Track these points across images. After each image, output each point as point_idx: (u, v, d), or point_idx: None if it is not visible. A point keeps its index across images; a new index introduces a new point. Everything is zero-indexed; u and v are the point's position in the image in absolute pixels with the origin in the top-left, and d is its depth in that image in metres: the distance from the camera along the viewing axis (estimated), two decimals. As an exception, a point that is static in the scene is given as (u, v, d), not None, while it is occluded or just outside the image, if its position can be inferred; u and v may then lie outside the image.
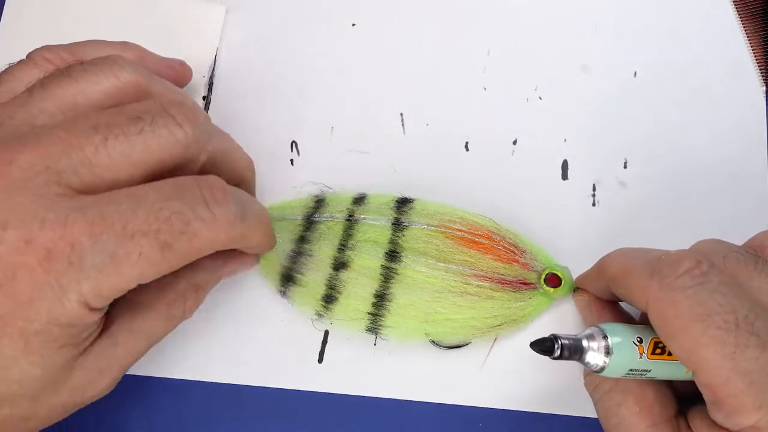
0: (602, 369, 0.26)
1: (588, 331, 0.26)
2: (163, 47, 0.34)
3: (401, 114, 0.37)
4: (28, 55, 0.29)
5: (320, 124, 0.37)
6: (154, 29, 0.37)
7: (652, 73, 0.37)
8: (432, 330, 0.32)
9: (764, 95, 0.37)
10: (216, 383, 0.33)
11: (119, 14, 0.38)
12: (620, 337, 0.26)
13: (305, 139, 0.37)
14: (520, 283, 0.32)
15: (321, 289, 0.33)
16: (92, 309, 0.24)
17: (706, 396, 0.25)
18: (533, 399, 0.33)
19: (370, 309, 0.32)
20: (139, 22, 0.38)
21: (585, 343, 0.26)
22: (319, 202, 0.34)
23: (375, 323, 0.32)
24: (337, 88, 0.38)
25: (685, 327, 0.24)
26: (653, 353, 0.26)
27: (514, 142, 0.36)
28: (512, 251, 0.32)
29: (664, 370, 0.26)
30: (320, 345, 0.34)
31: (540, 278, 0.32)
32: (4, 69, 0.29)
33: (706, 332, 0.24)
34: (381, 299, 0.32)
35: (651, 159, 0.36)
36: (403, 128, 0.37)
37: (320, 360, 0.33)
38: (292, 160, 0.37)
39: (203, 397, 0.33)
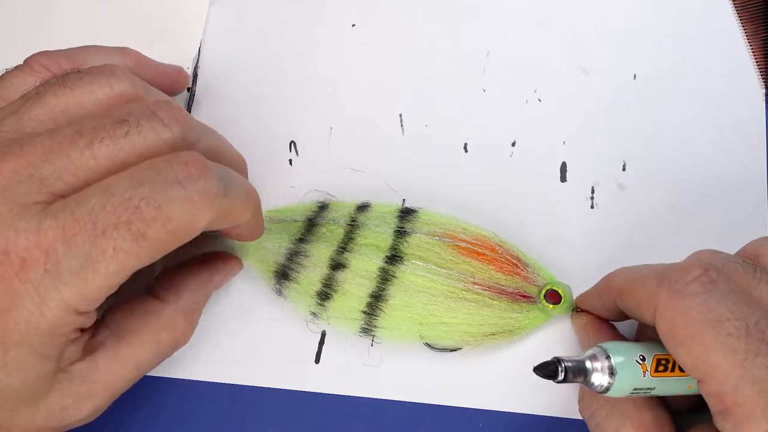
0: (607, 389, 0.25)
1: (590, 352, 0.26)
2: (145, 38, 0.34)
3: (400, 115, 0.37)
4: (25, 61, 0.29)
5: (319, 124, 0.37)
6: (137, 20, 0.37)
7: (651, 76, 0.37)
8: (426, 333, 0.32)
9: (764, 97, 0.37)
10: (212, 383, 0.33)
11: (102, 6, 0.38)
12: (623, 356, 0.26)
13: (304, 140, 0.37)
14: (520, 295, 0.32)
15: (316, 287, 0.32)
16: (80, 312, 0.24)
17: (713, 406, 0.24)
18: (533, 401, 0.33)
19: (364, 308, 0.32)
20: (122, 13, 0.38)
21: (588, 364, 0.26)
22: (323, 208, 0.34)
23: (369, 323, 0.32)
24: (337, 88, 0.38)
25: (695, 334, 0.24)
26: (656, 371, 0.26)
27: (513, 144, 0.36)
28: (515, 264, 0.32)
29: (667, 386, 0.26)
30: (317, 346, 0.34)
31: (540, 293, 0.32)
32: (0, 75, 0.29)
33: (717, 338, 0.23)
34: (377, 299, 0.32)
35: (650, 161, 0.36)
36: (402, 129, 0.37)
37: (317, 361, 0.33)
38: (290, 160, 0.37)
39: (199, 397, 0.33)
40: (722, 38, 0.38)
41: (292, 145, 0.37)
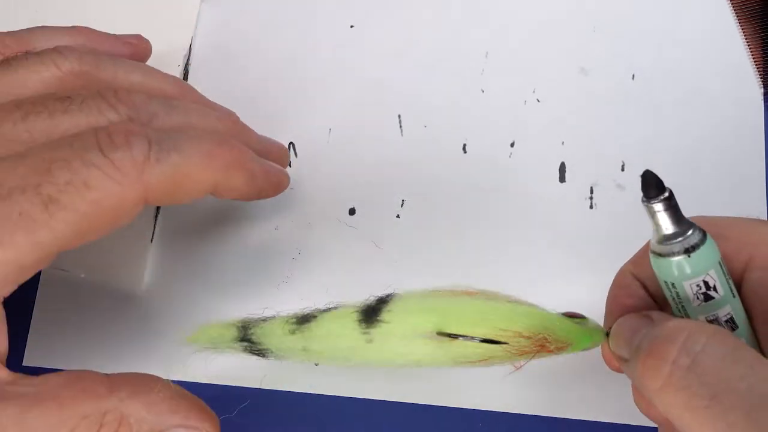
0: (702, 231, 0.23)
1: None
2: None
3: (399, 116, 0.37)
4: None
5: (318, 126, 0.37)
6: (126, 17, 0.38)
7: (650, 76, 0.37)
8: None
9: (762, 97, 0.37)
10: (211, 385, 0.33)
11: (91, 4, 0.38)
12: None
13: (303, 141, 0.37)
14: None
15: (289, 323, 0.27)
16: None
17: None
18: (533, 402, 0.33)
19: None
20: (111, 9, 0.38)
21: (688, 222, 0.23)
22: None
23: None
24: (335, 89, 0.38)
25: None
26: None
27: (512, 145, 0.36)
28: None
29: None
30: (317, 347, 0.34)
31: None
32: None
33: None
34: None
35: (649, 162, 0.36)
36: (401, 130, 0.37)
37: (317, 362, 0.34)
38: (289, 163, 0.37)
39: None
40: (720, 38, 0.38)
41: (291, 146, 0.37)
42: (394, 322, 0.26)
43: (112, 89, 0.25)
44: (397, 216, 0.36)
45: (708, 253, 0.23)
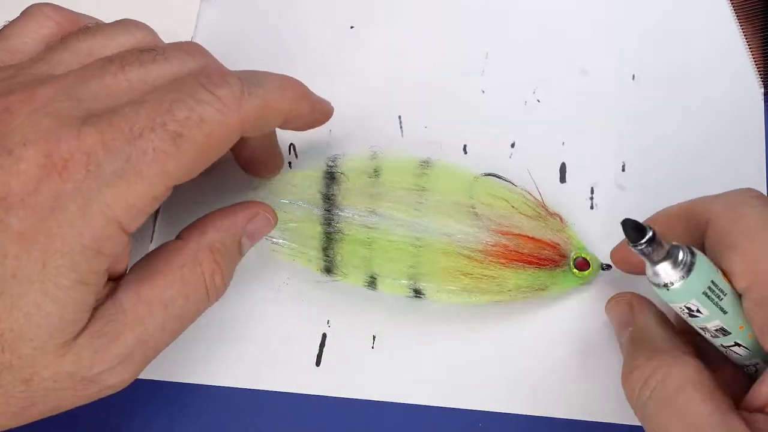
0: (689, 268, 0.25)
1: (674, 243, 0.25)
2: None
3: (399, 117, 0.37)
4: (25, 12, 0.29)
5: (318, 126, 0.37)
6: (125, 15, 0.37)
7: (650, 76, 0.37)
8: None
9: (763, 98, 0.37)
10: (212, 386, 0.33)
11: (90, 4, 0.38)
12: (700, 253, 0.25)
13: (303, 142, 0.37)
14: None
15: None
16: (123, 228, 0.24)
17: (757, 318, 0.24)
18: (533, 402, 0.33)
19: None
20: (110, 9, 0.38)
21: (675, 251, 0.25)
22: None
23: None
24: (335, 90, 0.38)
25: (751, 236, 0.24)
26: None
27: (513, 145, 0.36)
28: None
29: (733, 304, 0.26)
30: (318, 348, 0.34)
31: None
32: (1, 26, 0.29)
33: None
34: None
35: (649, 162, 0.36)
36: (402, 131, 0.37)
37: (318, 363, 0.33)
38: (290, 163, 0.37)
39: (199, 400, 0.33)
40: (721, 38, 0.38)
41: (292, 147, 0.37)
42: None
43: (187, 42, 0.28)
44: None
45: (688, 287, 0.25)
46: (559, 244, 0.32)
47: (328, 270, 0.33)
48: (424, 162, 0.33)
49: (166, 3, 0.39)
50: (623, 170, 0.36)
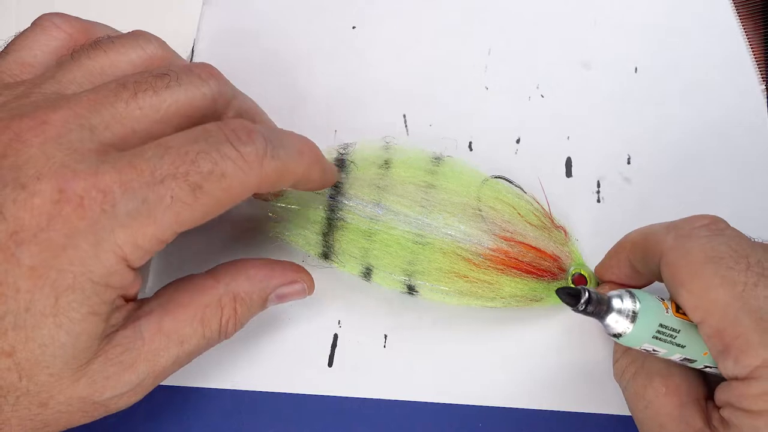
0: (633, 317, 0.25)
1: (615, 292, 0.26)
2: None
3: (404, 115, 0.37)
4: (35, 23, 0.29)
5: (323, 128, 0.37)
6: (128, 18, 0.37)
7: (652, 69, 0.37)
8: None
9: (763, 91, 0.37)
10: (224, 390, 0.33)
11: (93, 6, 0.38)
12: (645, 295, 0.26)
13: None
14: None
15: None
16: (129, 265, 0.24)
17: (715, 349, 0.24)
18: (533, 396, 0.33)
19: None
20: (113, 11, 0.38)
21: (615, 301, 0.25)
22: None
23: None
24: (340, 91, 0.38)
25: (697, 271, 0.24)
26: (677, 311, 0.26)
27: (518, 141, 0.37)
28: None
29: (687, 337, 0.26)
30: (329, 349, 0.34)
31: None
32: (11, 38, 0.29)
33: (717, 273, 0.24)
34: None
35: (654, 154, 0.36)
36: (407, 129, 0.37)
37: (330, 364, 0.33)
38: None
39: (211, 403, 0.33)
40: (721, 33, 0.38)
41: (297, 148, 0.37)
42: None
43: (200, 66, 0.27)
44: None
45: (636, 335, 0.26)
46: (560, 258, 0.32)
47: (326, 256, 0.33)
48: (435, 158, 0.33)
49: (169, 5, 0.39)
50: (629, 163, 0.36)
